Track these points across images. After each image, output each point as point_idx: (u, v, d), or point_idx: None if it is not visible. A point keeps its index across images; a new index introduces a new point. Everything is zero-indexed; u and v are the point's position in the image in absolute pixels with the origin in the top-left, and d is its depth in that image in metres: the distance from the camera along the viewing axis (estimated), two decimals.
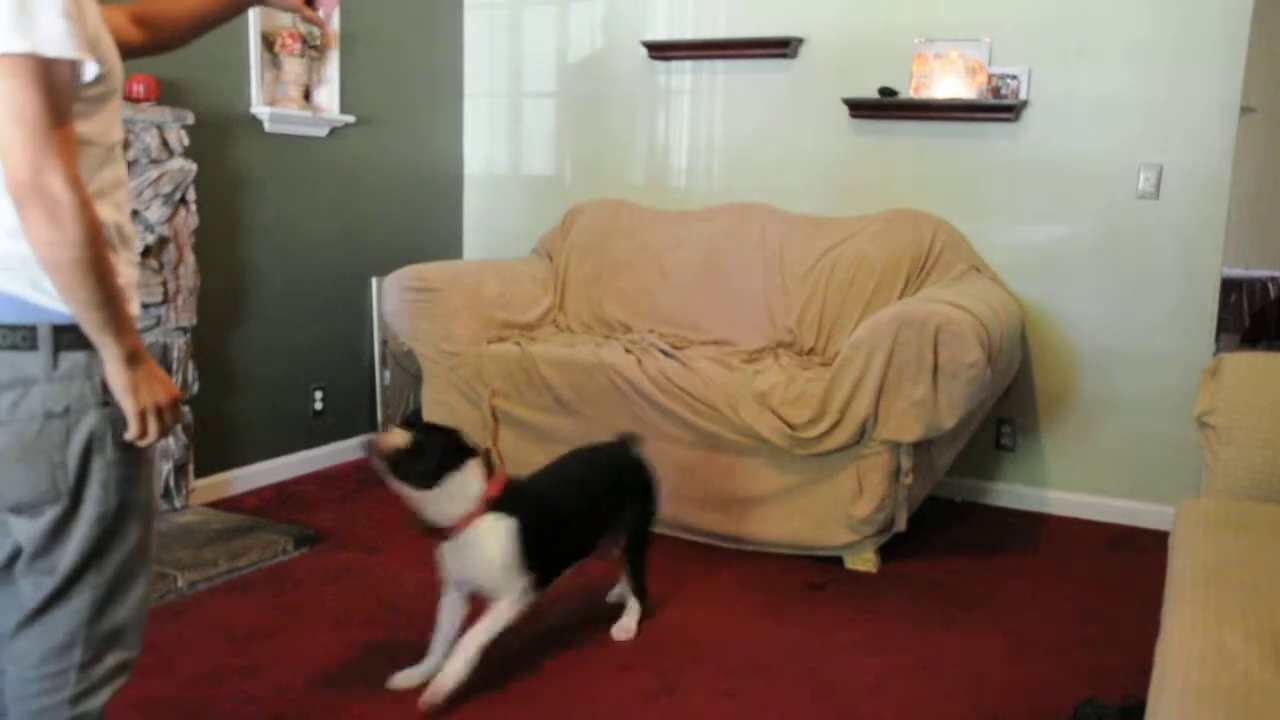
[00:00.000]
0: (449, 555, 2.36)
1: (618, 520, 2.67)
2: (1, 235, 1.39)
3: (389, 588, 2.96)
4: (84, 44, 1.34)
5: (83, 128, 1.39)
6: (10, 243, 1.38)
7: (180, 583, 2.86)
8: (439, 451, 2.30)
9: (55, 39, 1.30)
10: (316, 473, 4.06)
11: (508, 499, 2.37)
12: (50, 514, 1.45)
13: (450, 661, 2.31)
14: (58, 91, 1.32)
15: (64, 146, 1.32)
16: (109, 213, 1.43)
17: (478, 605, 2.41)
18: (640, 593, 2.74)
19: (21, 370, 1.41)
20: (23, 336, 1.41)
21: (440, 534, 2.33)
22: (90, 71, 1.37)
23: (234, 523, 3.32)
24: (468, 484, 2.32)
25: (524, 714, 2.31)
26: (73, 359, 1.42)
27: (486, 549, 2.32)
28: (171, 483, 3.36)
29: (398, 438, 2.27)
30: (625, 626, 2.70)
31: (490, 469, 2.39)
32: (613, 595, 2.83)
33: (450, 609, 2.43)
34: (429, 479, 2.27)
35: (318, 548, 3.26)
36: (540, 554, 2.39)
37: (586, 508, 2.60)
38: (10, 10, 1.27)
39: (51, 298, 1.39)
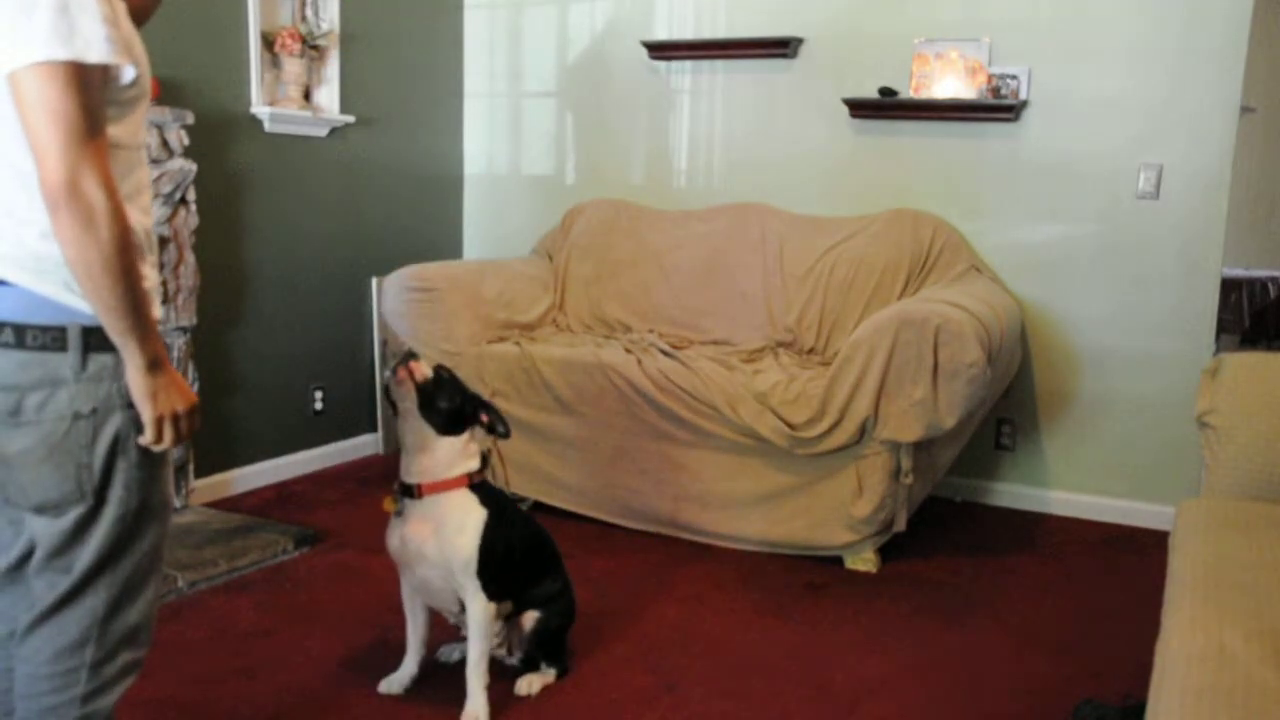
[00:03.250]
0: (408, 514, 2.21)
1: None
2: (35, 238, 1.40)
3: (389, 588, 2.95)
4: (121, 49, 1.36)
5: (115, 130, 1.40)
6: (44, 245, 1.39)
7: (180, 583, 2.86)
8: (464, 398, 2.21)
9: (96, 45, 1.32)
10: (316, 473, 4.06)
11: (484, 489, 2.27)
12: (73, 514, 1.46)
13: (468, 702, 2.24)
14: (94, 96, 1.34)
15: (99, 151, 1.34)
16: (137, 217, 1.44)
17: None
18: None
19: (51, 371, 1.42)
20: (53, 338, 1.42)
21: (407, 491, 2.21)
22: (128, 75, 1.39)
23: (234, 523, 3.32)
24: (467, 449, 2.23)
25: (524, 714, 2.31)
26: (101, 360, 1.43)
27: (462, 526, 2.19)
28: (171, 483, 3.36)
29: (429, 369, 2.16)
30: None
31: (484, 458, 2.29)
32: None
33: (414, 600, 2.37)
34: (448, 424, 2.18)
35: (318, 548, 3.26)
36: (493, 561, 2.23)
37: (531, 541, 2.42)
38: (52, 17, 1.29)
39: (82, 299, 1.40)
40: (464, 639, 2.41)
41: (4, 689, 1.57)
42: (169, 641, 2.55)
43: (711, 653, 2.63)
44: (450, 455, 2.21)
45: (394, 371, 2.18)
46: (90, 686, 1.50)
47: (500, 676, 2.39)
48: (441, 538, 2.19)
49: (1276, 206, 7.07)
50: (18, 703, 1.52)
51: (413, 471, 2.21)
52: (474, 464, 2.25)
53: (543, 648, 2.41)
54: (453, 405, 2.19)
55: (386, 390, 2.25)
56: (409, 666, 2.39)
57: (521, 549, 2.35)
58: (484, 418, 2.27)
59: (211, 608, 2.80)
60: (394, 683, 2.38)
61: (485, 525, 2.22)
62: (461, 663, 2.36)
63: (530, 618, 2.39)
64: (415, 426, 2.19)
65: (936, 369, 2.97)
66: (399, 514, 2.24)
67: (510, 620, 2.41)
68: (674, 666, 2.54)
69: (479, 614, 2.23)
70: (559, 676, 2.45)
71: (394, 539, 2.26)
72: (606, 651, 2.61)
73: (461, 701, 2.25)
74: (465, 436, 2.24)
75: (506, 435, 2.30)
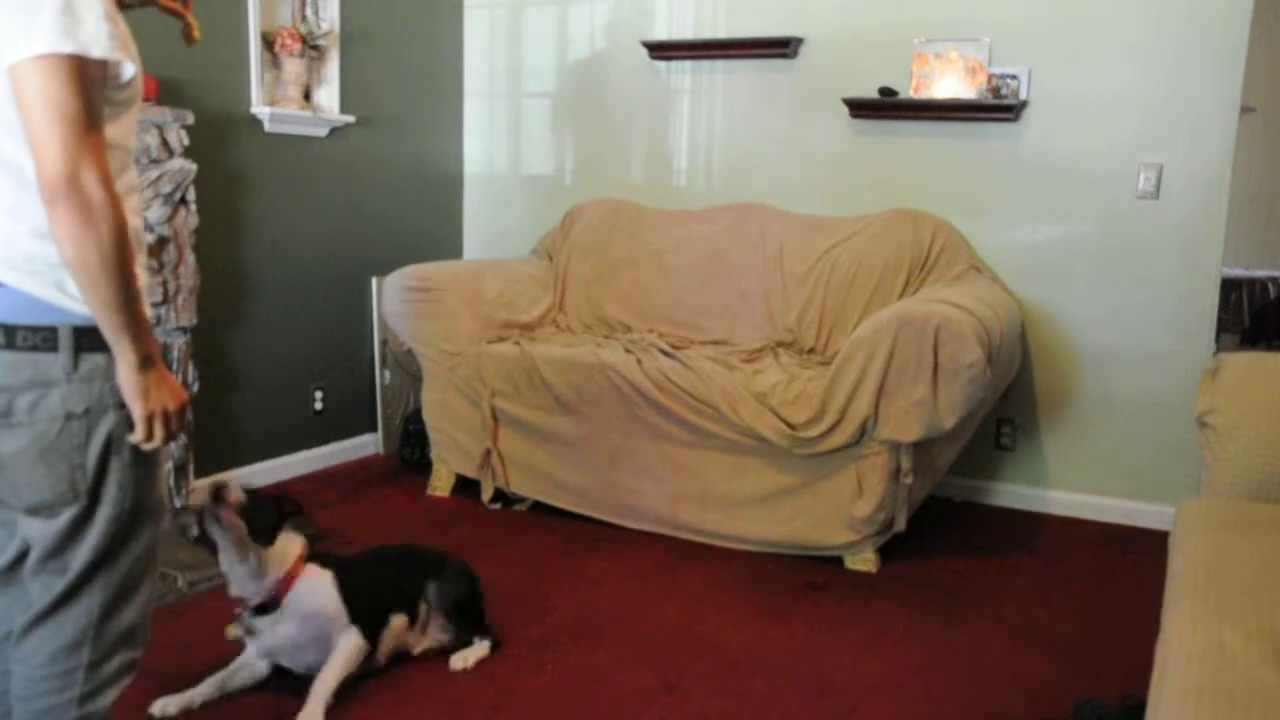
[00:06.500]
0: (271, 626, 2.28)
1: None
2: (27, 236, 1.40)
3: None
4: (121, 45, 1.37)
5: (109, 130, 1.40)
6: (37, 244, 1.39)
7: (180, 583, 2.86)
8: (277, 507, 2.29)
9: (99, 41, 1.33)
10: (316, 473, 4.06)
11: (317, 558, 2.38)
12: (67, 515, 1.45)
13: (306, 708, 2.23)
14: (94, 92, 1.34)
15: (98, 146, 1.34)
16: (128, 217, 1.44)
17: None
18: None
19: (42, 371, 1.42)
20: (44, 338, 1.41)
21: (261, 609, 2.27)
22: (128, 72, 1.40)
23: None
24: (290, 543, 2.32)
25: (524, 713, 2.31)
26: (93, 360, 1.43)
27: (316, 599, 2.30)
28: (171, 483, 3.36)
29: (240, 490, 2.24)
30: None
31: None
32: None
33: (248, 664, 2.37)
34: (269, 534, 2.25)
35: (317, 548, 3.25)
36: (358, 603, 2.37)
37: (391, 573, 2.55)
38: (57, 13, 1.30)
39: (74, 300, 1.40)
40: (448, 650, 2.52)
41: (1, 690, 1.57)
42: (169, 641, 2.54)
43: (711, 653, 2.63)
44: (284, 554, 2.29)
45: (215, 514, 2.18)
46: (87, 687, 1.50)
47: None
48: (309, 620, 2.29)
49: (1276, 206, 7.07)
50: (15, 704, 1.52)
51: (263, 590, 2.27)
52: (299, 546, 2.33)
53: (462, 619, 2.53)
54: (271, 521, 2.26)
55: (202, 533, 2.22)
56: (192, 694, 2.30)
57: (384, 569, 2.50)
58: (289, 510, 2.34)
59: (211, 608, 2.79)
60: (170, 704, 2.27)
61: (336, 581, 2.34)
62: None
63: (432, 591, 2.52)
64: (247, 552, 2.23)
65: (936, 369, 2.97)
66: (250, 633, 2.31)
67: (415, 616, 2.50)
68: (674, 666, 2.54)
69: (350, 647, 2.32)
70: (493, 648, 2.55)
71: (258, 651, 2.33)
72: (606, 651, 2.61)
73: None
74: (283, 535, 2.30)
75: (315, 539, 2.38)
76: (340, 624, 2.33)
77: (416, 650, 2.54)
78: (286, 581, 2.28)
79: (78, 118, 1.31)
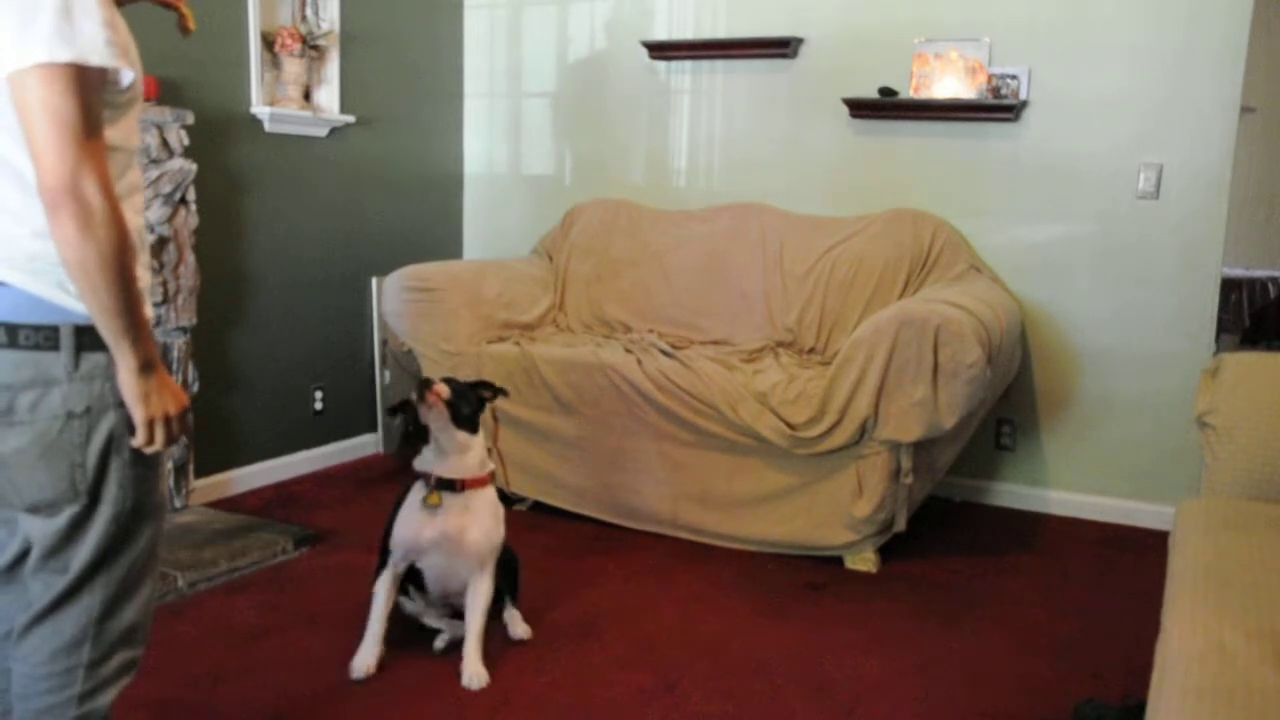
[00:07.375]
0: (446, 511, 2.42)
1: None
2: (29, 236, 1.40)
3: None
4: (121, 52, 1.37)
5: (110, 133, 1.41)
6: (38, 244, 1.39)
7: (180, 583, 2.86)
8: (476, 395, 2.50)
9: (97, 48, 1.33)
10: (316, 473, 4.06)
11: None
12: (68, 513, 1.46)
13: (468, 662, 2.43)
14: (93, 98, 1.35)
15: (97, 152, 1.35)
16: (130, 217, 1.44)
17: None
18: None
19: (43, 370, 1.42)
20: (45, 337, 1.42)
21: (449, 485, 2.42)
22: (127, 78, 1.40)
23: (234, 523, 3.32)
24: (485, 452, 2.51)
25: (524, 713, 2.31)
26: (94, 359, 1.43)
27: (496, 515, 2.49)
28: (171, 483, 3.36)
29: (445, 388, 2.41)
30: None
31: None
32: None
33: (389, 592, 2.50)
34: (473, 423, 2.46)
35: (318, 548, 3.26)
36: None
37: None
38: (55, 20, 1.30)
39: (75, 299, 1.40)
40: (438, 630, 2.62)
41: (1, 689, 1.58)
42: (169, 641, 2.55)
43: (711, 653, 2.63)
44: (480, 454, 2.49)
45: (421, 400, 2.38)
46: (87, 686, 1.50)
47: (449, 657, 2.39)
48: (484, 526, 2.45)
49: (1276, 206, 7.07)
50: (15, 703, 1.53)
51: (455, 469, 2.44)
52: (492, 465, 2.54)
53: (510, 585, 2.71)
54: (472, 407, 2.47)
55: (407, 419, 2.48)
56: (374, 654, 2.47)
57: None
58: (488, 395, 2.57)
59: (211, 608, 2.80)
60: (359, 668, 2.44)
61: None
62: (442, 650, 2.57)
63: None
64: (451, 436, 2.43)
65: (936, 369, 2.97)
66: (437, 506, 2.44)
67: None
68: (674, 666, 2.54)
69: (489, 592, 2.48)
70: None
71: (429, 530, 2.43)
72: (606, 651, 2.61)
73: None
74: (482, 435, 2.51)
75: (505, 394, 2.64)
76: (495, 556, 2.48)
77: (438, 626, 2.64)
78: (476, 480, 2.45)
79: (76, 125, 1.31)
